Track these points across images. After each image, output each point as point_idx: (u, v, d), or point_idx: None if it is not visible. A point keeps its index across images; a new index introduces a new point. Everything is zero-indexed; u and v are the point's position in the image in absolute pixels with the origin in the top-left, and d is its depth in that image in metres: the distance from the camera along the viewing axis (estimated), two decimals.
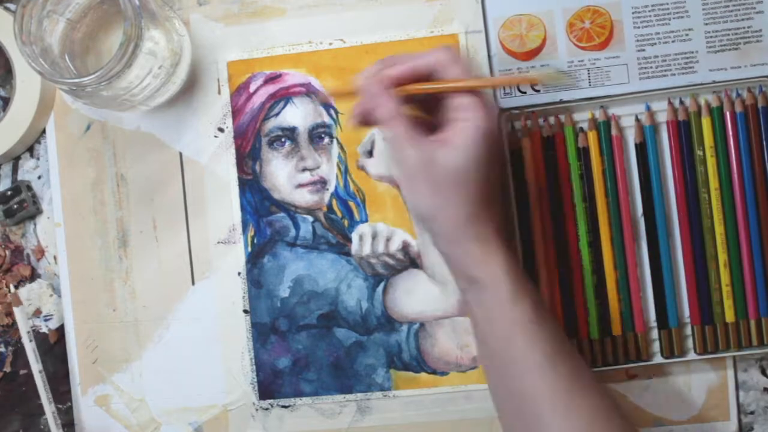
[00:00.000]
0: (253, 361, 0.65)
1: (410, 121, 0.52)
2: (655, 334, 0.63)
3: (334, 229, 0.65)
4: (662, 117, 0.62)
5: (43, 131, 0.67)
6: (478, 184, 0.52)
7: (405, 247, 0.64)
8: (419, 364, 0.64)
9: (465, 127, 0.51)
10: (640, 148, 0.63)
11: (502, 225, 0.54)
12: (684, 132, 0.62)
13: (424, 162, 0.51)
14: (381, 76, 0.53)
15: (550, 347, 0.52)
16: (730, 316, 0.62)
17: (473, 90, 0.52)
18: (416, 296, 0.64)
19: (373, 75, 0.53)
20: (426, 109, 0.55)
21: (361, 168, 0.65)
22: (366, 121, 0.54)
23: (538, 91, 0.52)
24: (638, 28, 0.63)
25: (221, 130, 0.65)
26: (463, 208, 0.52)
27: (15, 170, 0.67)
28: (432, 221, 0.53)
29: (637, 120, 0.63)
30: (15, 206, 0.66)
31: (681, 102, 0.62)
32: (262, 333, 0.65)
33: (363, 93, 0.53)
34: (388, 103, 0.52)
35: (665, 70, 0.63)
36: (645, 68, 0.63)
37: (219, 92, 0.65)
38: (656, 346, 0.63)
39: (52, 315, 0.67)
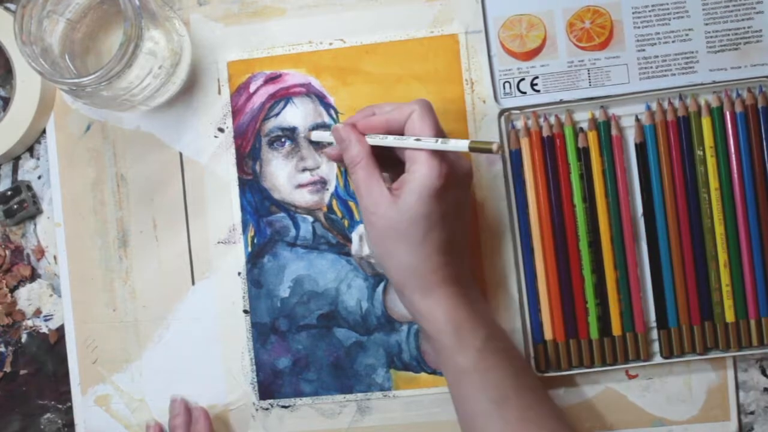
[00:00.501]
0: (253, 361, 0.65)
1: (374, 168, 0.55)
2: (655, 334, 0.63)
3: (334, 229, 0.65)
4: (662, 117, 0.62)
5: (43, 131, 0.67)
6: (418, 239, 0.54)
7: None
8: (419, 364, 0.64)
9: (408, 182, 0.54)
10: (640, 148, 0.63)
11: (454, 272, 0.56)
12: (684, 132, 0.62)
13: (371, 212, 0.55)
14: (354, 122, 0.57)
15: (496, 393, 0.54)
16: (730, 316, 0.62)
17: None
18: None
19: (349, 124, 0.57)
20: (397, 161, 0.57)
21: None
22: (341, 160, 0.58)
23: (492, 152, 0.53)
24: (638, 28, 0.63)
25: (221, 130, 0.65)
26: (401, 260, 0.55)
27: (15, 170, 0.67)
28: (381, 267, 0.57)
29: (637, 120, 0.63)
30: (15, 206, 0.66)
31: (681, 102, 0.62)
32: (262, 333, 0.65)
33: (336, 140, 0.58)
34: (355, 147, 0.56)
35: (665, 70, 0.63)
36: (645, 68, 0.63)
37: (219, 92, 0.65)
38: (656, 346, 0.63)
39: (52, 315, 0.67)
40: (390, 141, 0.56)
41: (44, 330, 0.67)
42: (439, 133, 0.55)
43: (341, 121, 0.64)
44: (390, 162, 0.57)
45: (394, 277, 0.56)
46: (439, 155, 0.54)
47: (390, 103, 0.58)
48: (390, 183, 0.56)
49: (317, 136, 0.62)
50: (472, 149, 0.53)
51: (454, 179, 0.55)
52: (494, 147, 0.52)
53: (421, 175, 0.53)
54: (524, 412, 0.54)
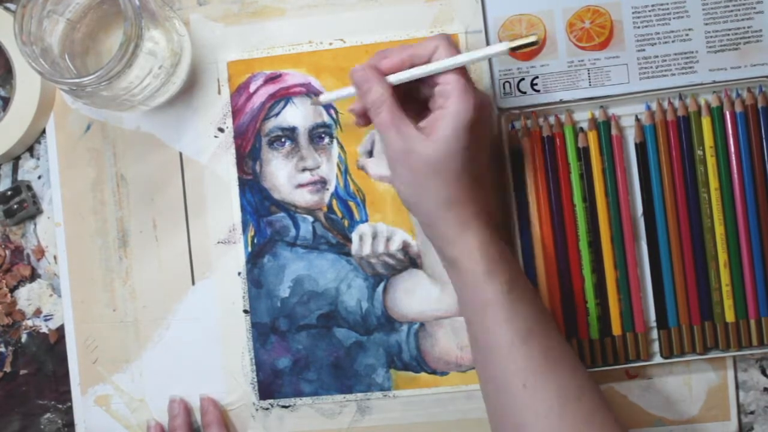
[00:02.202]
0: (253, 361, 0.65)
1: (398, 108, 0.54)
2: (655, 334, 0.63)
3: (334, 229, 0.65)
4: (662, 117, 0.62)
5: (43, 131, 0.67)
6: (456, 172, 0.53)
7: (405, 247, 0.64)
8: (419, 364, 0.64)
9: (444, 117, 0.53)
10: (640, 148, 0.63)
11: (485, 207, 0.55)
12: (684, 132, 0.62)
13: (405, 151, 0.54)
14: (373, 64, 0.55)
15: (522, 325, 0.53)
16: (730, 316, 0.62)
17: (459, 76, 0.54)
18: (416, 296, 0.64)
19: (368, 66, 0.55)
20: (422, 101, 0.57)
21: (361, 168, 0.65)
22: (366, 118, 0.57)
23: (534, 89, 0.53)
24: (638, 28, 0.63)
25: (221, 130, 0.65)
26: (439, 195, 0.54)
27: (15, 170, 0.67)
28: (412, 207, 0.56)
29: (637, 120, 0.63)
30: (15, 206, 0.66)
31: (681, 102, 0.62)
32: (262, 333, 0.65)
33: (356, 83, 0.56)
34: (377, 88, 0.55)
35: (665, 70, 0.63)
36: (645, 68, 0.63)
37: (219, 92, 0.65)
38: (656, 346, 0.63)
39: (52, 315, 0.67)
40: (418, 71, 0.54)
41: (44, 330, 0.67)
42: (461, 58, 0.54)
43: (341, 120, 0.64)
44: (410, 107, 0.56)
45: (428, 213, 0.55)
46: (470, 88, 0.54)
47: (404, 45, 0.56)
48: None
49: (326, 98, 0.60)
50: (513, 49, 0.53)
51: (482, 112, 0.54)
52: (535, 39, 0.52)
53: (455, 108, 0.53)
54: (548, 350, 0.54)
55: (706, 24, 0.63)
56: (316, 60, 0.65)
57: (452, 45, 0.55)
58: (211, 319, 0.65)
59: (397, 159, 0.55)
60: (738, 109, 0.62)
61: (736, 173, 0.62)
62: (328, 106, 0.65)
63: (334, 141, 0.65)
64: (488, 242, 0.54)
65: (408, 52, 0.55)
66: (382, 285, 0.64)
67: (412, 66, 0.55)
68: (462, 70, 0.55)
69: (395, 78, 0.55)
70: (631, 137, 0.63)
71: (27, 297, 0.67)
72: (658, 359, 0.63)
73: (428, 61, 0.55)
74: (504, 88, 0.64)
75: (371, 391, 0.64)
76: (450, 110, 0.53)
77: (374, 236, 0.64)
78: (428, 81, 0.56)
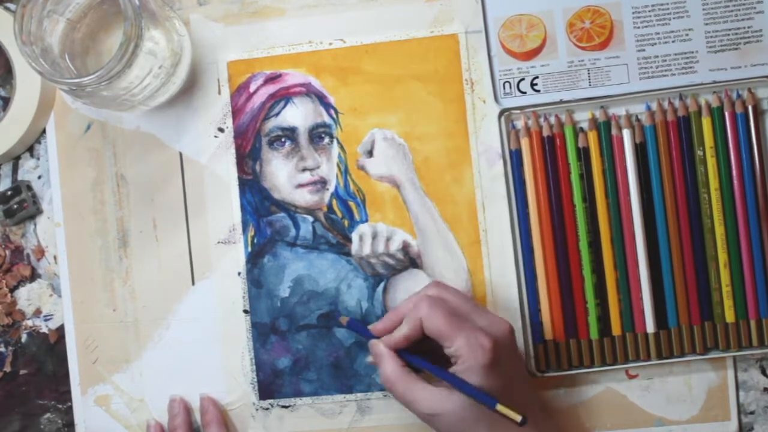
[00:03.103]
0: (253, 361, 0.65)
1: (410, 379, 0.56)
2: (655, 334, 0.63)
3: (334, 229, 0.65)
4: (662, 117, 0.62)
5: (43, 131, 0.67)
6: (490, 417, 0.53)
7: (405, 247, 0.64)
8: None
9: (462, 373, 0.54)
10: (640, 149, 0.63)
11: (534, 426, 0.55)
12: (684, 132, 0.62)
13: (433, 416, 0.55)
14: (388, 342, 0.57)
15: None
16: (730, 317, 0.62)
17: (462, 337, 0.54)
18: None
19: (382, 341, 0.58)
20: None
21: (361, 168, 0.65)
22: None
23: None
24: (638, 28, 0.63)
25: (221, 130, 0.65)
26: None
27: (15, 170, 0.67)
28: None
29: (638, 120, 0.63)
30: (15, 206, 0.66)
31: (681, 102, 0.62)
32: (262, 333, 0.65)
33: (375, 355, 0.58)
34: (385, 369, 0.57)
35: (665, 70, 0.63)
36: (645, 68, 0.63)
37: (219, 92, 0.65)
38: (656, 346, 0.63)
39: (52, 315, 0.67)
40: (424, 366, 0.57)
41: (44, 330, 0.67)
42: (454, 323, 0.55)
43: (341, 120, 0.64)
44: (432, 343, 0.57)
45: None
46: (477, 333, 0.54)
47: (401, 307, 0.58)
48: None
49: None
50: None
51: (500, 348, 0.55)
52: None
53: (468, 362, 0.54)
54: None
55: (706, 24, 0.63)
56: (316, 60, 0.65)
57: (434, 313, 0.55)
58: (211, 319, 0.65)
59: (430, 422, 0.55)
60: (738, 109, 0.62)
61: (736, 173, 0.62)
62: (328, 106, 0.65)
63: (334, 141, 0.65)
64: None
65: (403, 334, 0.56)
66: (382, 285, 0.64)
67: (412, 341, 0.57)
68: (462, 320, 0.55)
69: (407, 358, 0.57)
70: (628, 137, 0.63)
71: (27, 297, 0.67)
72: (658, 359, 0.63)
73: (422, 332, 0.56)
74: (504, 88, 0.64)
75: (371, 391, 0.64)
76: (463, 367, 0.54)
77: (374, 236, 0.64)
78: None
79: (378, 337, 0.58)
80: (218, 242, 0.65)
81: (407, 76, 0.64)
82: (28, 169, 0.67)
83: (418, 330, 0.56)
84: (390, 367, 0.56)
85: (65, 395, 0.66)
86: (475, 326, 0.55)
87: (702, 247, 0.62)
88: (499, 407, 0.53)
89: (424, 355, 0.57)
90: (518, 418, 0.52)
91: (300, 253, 0.65)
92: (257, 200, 0.65)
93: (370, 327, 0.59)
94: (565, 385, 0.63)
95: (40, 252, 0.67)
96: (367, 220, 0.64)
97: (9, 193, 0.66)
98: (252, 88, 0.65)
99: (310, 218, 0.65)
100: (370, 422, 0.64)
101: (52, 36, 0.59)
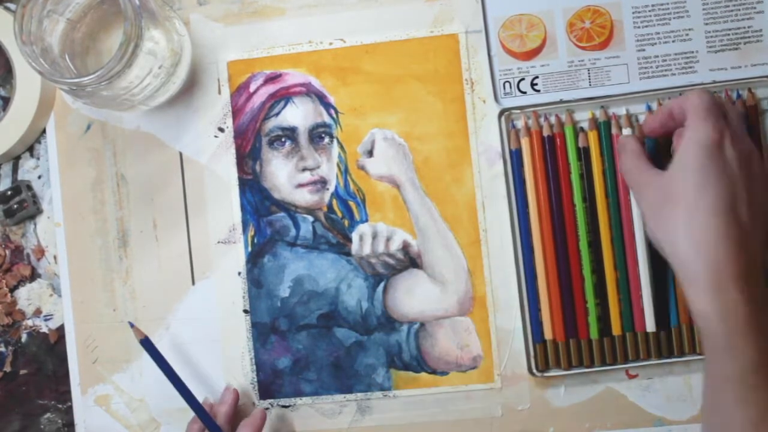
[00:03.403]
0: (253, 361, 0.65)
1: (642, 153, 0.56)
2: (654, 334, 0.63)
3: (335, 229, 0.65)
4: None
5: (43, 131, 0.67)
6: (703, 207, 0.49)
7: (405, 247, 0.64)
8: (419, 364, 0.64)
9: (679, 146, 0.52)
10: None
11: (753, 261, 0.50)
12: None
13: (644, 183, 0.54)
14: (649, 123, 0.57)
15: (756, 412, 0.48)
16: None
17: (696, 97, 0.52)
18: (416, 296, 0.64)
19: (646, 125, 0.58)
20: None
21: (361, 168, 0.65)
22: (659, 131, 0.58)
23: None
24: (638, 28, 0.63)
25: (221, 129, 0.65)
26: (687, 237, 0.50)
27: (15, 170, 0.67)
28: (658, 244, 0.54)
29: (637, 120, 0.63)
30: (15, 206, 0.66)
31: None
32: (262, 333, 0.65)
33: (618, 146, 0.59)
34: (626, 141, 0.57)
35: (665, 70, 0.63)
36: (645, 68, 0.63)
37: (219, 92, 0.65)
38: (656, 346, 0.63)
39: (52, 315, 0.67)
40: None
41: (44, 330, 0.67)
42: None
43: (341, 120, 0.64)
44: None
45: (674, 255, 0.51)
46: (708, 109, 0.51)
47: (662, 107, 0.57)
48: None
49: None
50: None
51: (735, 135, 0.51)
52: None
53: (688, 131, 0.51)
54: None
55: (706, 24, 0.63)
56: (316, 60, 0.65)
57: (703, 105, 0.53)
58: (211, 319, 0.65)
59: (639, 195, 0.54)
60: (738, 109, 0.62)
61: None
62: (328, 106, 0.65)
63: (334, 141, 0.65)
64: (734, 306, 0.48)
65: (659, 117, 0.56)
66: (382, 285, 0.64)
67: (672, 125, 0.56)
68: (703, 93, 0.53)
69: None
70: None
71: (27, 297, 0.67)
72: (658, 359, 0.63)
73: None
74: (504, 88, 0.64)
75: (371, 391, 0.64)
76: (685, 135, 0.51)
77: (374, 236, 0.64)
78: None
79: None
80: (218, 242, 0.65)
81: (407, 76, 0.64)
82: (28, 169, 0.67)
83: (676, 117, 0.54)
84: (630, 139, 0.57)
85: (65, 395, 0.66)
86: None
87: None
88: None
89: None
90: None
91: (300, 252, 0.65)
92: (257, 200, 0.65)
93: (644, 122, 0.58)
94: (565, 385, 0.63)
95: (40, 252, 0.67)
96: (367, 220, 0.64)
97: (9, 193, 0.66)
98: (252, 88, 0.65)
99: (310, 218, 0.65)
100: (370, 422, 0.64)
101: (52, 36, 0.59)
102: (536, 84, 0.63)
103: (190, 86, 0.65)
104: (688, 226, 0.50)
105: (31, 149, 0.67)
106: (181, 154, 0.66)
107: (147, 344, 0.62)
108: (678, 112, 0.55)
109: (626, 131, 0.62)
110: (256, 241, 0.65)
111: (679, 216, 0.50)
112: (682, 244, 0.50)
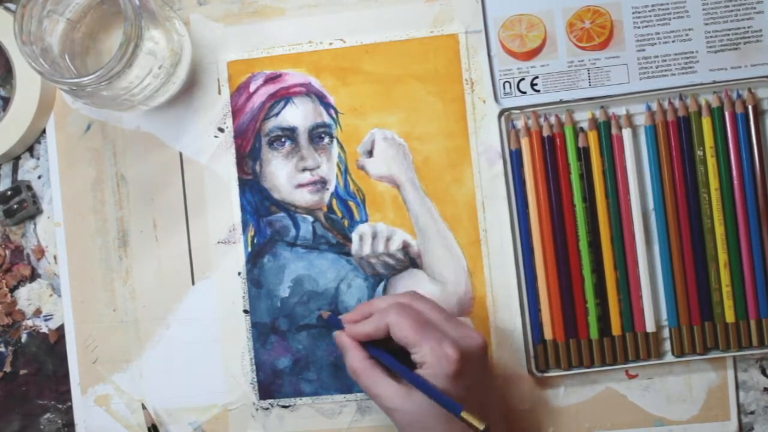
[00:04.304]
0: (253, 361, 0.65)
1: (376, 371, 0.56)
2: (654, 334, 0.63)
3: (334, 229, 0.65)
4: (662, 117, 0.62)
5: (43, 131, 0.67)
6: (444, 425, 0.54)
7: (405, 247, 0.64)
8: None
9: (426, 378, 0.54)
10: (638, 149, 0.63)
11: None
12: (684, 132, 0.62)
13: (390, 409, 0.55)
14: (350, 333, 0.57)
15: None
16: (730, 317, 0.62)
17: (428, 345, 0.54)
18: None
19: (345, 330, 0.57)
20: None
21: (361, 168, 0.65)
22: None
23: None
24: (638, 28, 0.63)
25: (221, 130, 0.65)
26: None
27: (15, 170, 0.67)
28: None
29: (632, 125, 0.63)
30: (15, 206, 0.66)
31: (681, 102, 0.62)
32: (262, 333, 0.65)
33: (338, 344, 0.58)
34: (349, 361, 0.57)
35: (665, 70, 0.63)
36: (645, 68, 0.63)
37: (219, 92, 0.65)
38: (656, 346, 0.63)
39: (52, 315, 0.67)
40: (390, 363, 0.56)
41: (44, 330, 0.67)
42: (419, 330, 0.54)
43: (341, 120, 0.64)
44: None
45: None
46: (446, 342, 0.54)
47: (382, 298, 0.59)
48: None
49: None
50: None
51: (467, 361, 0.54)
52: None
53: (431, 369, 0.54)
54: None
55: (706, 24, 0.63)
56: (316, 60, 0.65)
57: (402, 321, 0.55)
58: (211, 319, 0.65)
59: (390, 415, 0.56)
60: (738, 109, 0.62)
61: (736, 174, 0.62)
62: (328, 106, 0.65)
63: (334, 141, 0.65)
64: None
65: (367, 330, 0.56)
66: (382, 285, 0.64)
67: (375, 337, 0.56)
68: (431, 330, 0.55)
69: (372, 351, 0.57)
70: (629, 137, 0.63)
71: (27, 297, 0.67)
72: (658, 359, 0.63)
73: (387, 333, 0.55)
74: (504, 88, 0.64)
75: None
76: (426, 373, 0.54)
77: (374, 236, 0.64)
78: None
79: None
80: (218, 242, 0.65)
81: (407, 76, 0.64)
82: (28, 169, 0.67)
83: (382, 331, 0.56)
84: (354, 357, 0.57)
85: (65, 395, 0.66)
86: (444, 336, 0.55)
87: (702, 247, 0.62)
88: (464, 414, 0.52)
89: (391, 352, 0.57)
90: (481, 426, 0.52)
91: (300, 253, 0.65)
92: (257, 200, 0.65)
93: (341, 317, 0.58)
94: (565, 385, 0.64)
95: (40, 252, 0.67)
96: (367, 220, 0.64)
97: (9, 193, 0.66)
98: (252, 88, 0.65)
99: (310, 218, 0.65)
100: (370, 422, 0.64)
101: (52, 36, 0.59)
102: (536, 84, 0.63)
103: (190, 86, 0.65)
104: None
105: (31, 149, 0.67)
106: (181, 154, 0.66)
107: (333, 320, 0.60)
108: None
109: (626, 131, 0.62)
110: (256, 241, 0.65)
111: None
112: None
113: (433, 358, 0.54)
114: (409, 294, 0.58)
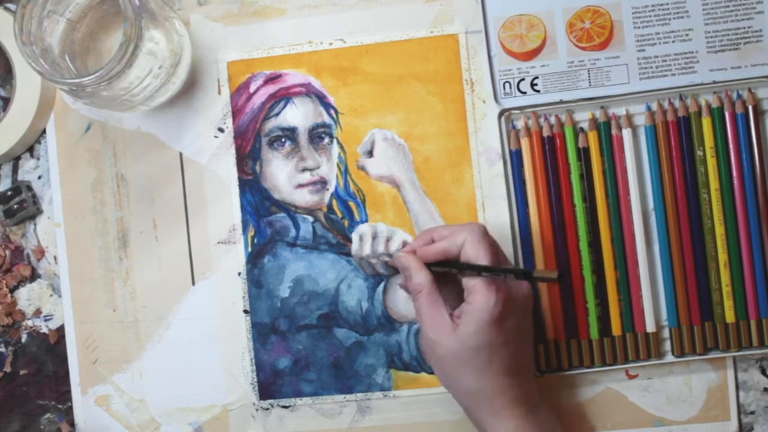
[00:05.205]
0: (254, 361, 0.65)
1: (436, 295, 0.56)
2: (653, 334, 0.63)
3: (334, 229, 0.65)
4: (662, 117, 0.62)
5: (43, 131, 0.67)
6: (481, 366, 0.55)
7: None
8: (419, 364, 0.64)
9: (467, 313, 0.55)
10: (637, 147, 0.63)
11: (522, 395, 0.56)
12: (684, 132, 0.62)
13: (434, 341, 0.56)
14: (415, 248, 0.58)
15: None
16: (730, 317, 0.62)
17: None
18: None
19: (410, 251, 0.58)
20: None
21: (361, 168, 0.65)
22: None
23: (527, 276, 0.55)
24: (638, 28, 0.63)
25: (221, 130, 0.65)
26: (468, 385, 0.56)
27: (15, 170, 0.67)
28: (448, 389, 0.58)
29: (632, 125, 0.63)
30: (15, 206, 0.66)
31: (681, 102, 0.62)
32: (263, 333, 0.65)
33: (400, 267, 0.59)
34: (418, 276, 0.57)
35: (665, 70, 0.63)
36: (645, 68, 0.63)
37: (219, 92, 0.65)
38: (656, 346, 0.63)
39: (52, 315, 0.67)
40: (450, 267, 0.57)
41: (44, 330, 0.67)
42: (495, 257, 0.56)
43: (341, 120, 0.64)
44: (454, 286, 0.58)
45: (461, 401, 0.58)
46: (496, 283, 0.55)
47: (446, 226, 0.59)
48: (451, 310, 0.56)
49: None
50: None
51: (513, 305, 0.55)
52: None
53: (478, 305, 0.54)
54: None
55: (706, 24, 0.63)
56: (316, 60, 0.65)
57: (479, 240, 0.56)
58: (211, 319, 0.65)
59: (427, 343, 0.57)
60: (738, 109, 0.62)
61: (736, 174, 0.62)
62: (328, 106, 0.65)
63: (334, 141, 0.65)
64: (522, 429, 0.56)
65: (441, 246, 0.57)
66: (382, 285, 0.64)
67: (447, 256, 0.57)
68: (500, 261, 0.56)
69: (434, 268, 0.57)
70: (629, 138, 0.63)
71: (27, 297, 0.67)
72: (658, 359, 0.63)
73: (458, 253, 0.56)
74: (504, 88, 0.64)
75: (371, 391, 0.64)
76: (473, 307, 0.55)
77: (374, 236, 0.64)
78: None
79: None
80: (218, 242, 0.65)
81: (407, 76, 0.64)
82: (28, 170, 0.67)
83: (456, 249, 0.56)
84: (422, 276, 0.57)
85: (65, 395, 0.66)
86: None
87: (702, 248, 0.62)
88: (536, 272, 0.54)
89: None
90: (554, 274, 0.52)
91: (300, 253, 0.65)
92: (257, 200, 0.65)
93: (405, 249, 0.59)
94: (565, 385, 0.64)
95: (40, 252, 0.67)
96: (367, 220, 0.64)
97: (9, 193, 0.66)
98: (252, 88, 0.65)
99: (310, 218, 0.65)
100: (370, 422, 0.64)
101: (52, 36, 0.59)
102: (536, 84, 0.63)
103: (190, 86, 0.65)
104: (476, 380, 0.56)
105: (31, 150, 0.67)
106: (181, 155, 0.66)
107: None
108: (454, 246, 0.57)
109: (626, 131, 0.62)
110: (256, 241, 0.65)
111: (467, 373, 0.56)
112: (471, 390, 0.56)
113: (485, 289, 0.54)
114: (482, 225, 0.58)
